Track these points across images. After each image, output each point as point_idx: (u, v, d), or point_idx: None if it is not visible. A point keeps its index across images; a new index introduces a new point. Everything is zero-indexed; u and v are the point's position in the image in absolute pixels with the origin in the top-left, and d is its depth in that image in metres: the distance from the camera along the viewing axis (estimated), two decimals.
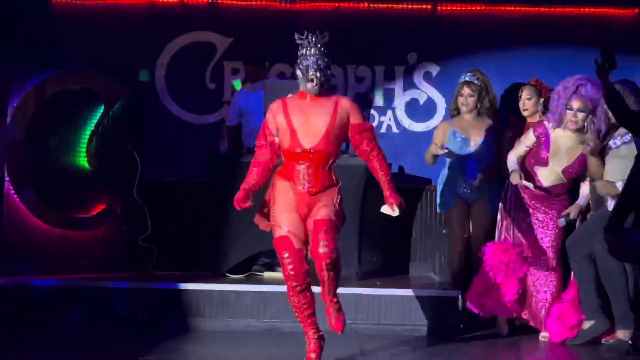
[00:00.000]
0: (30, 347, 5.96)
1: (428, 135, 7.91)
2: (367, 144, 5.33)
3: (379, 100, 8.72)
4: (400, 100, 8.66)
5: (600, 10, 8.63)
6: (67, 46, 7.67)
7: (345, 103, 5.30)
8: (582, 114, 6.23)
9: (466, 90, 7.06)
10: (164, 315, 6.69)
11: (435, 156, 7.01)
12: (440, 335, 6.45)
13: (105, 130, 7.40)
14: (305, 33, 5.24)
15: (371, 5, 8.65)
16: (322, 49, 5.19)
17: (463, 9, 8.67)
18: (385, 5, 8.66)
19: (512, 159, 6.48)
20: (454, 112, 7.23)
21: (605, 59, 5.21)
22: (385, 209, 5.32)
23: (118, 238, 7.53)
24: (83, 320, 6.55)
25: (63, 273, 7.03)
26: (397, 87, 8.68)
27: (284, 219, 5.18)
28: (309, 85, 5.19)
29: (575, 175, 6.39)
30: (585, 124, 6.25)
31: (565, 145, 6.33)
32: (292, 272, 5.06)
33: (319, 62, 5.15)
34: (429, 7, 8.65)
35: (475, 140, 7.01)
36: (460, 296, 6.67)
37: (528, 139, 6.45)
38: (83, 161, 7.33)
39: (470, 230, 7.03)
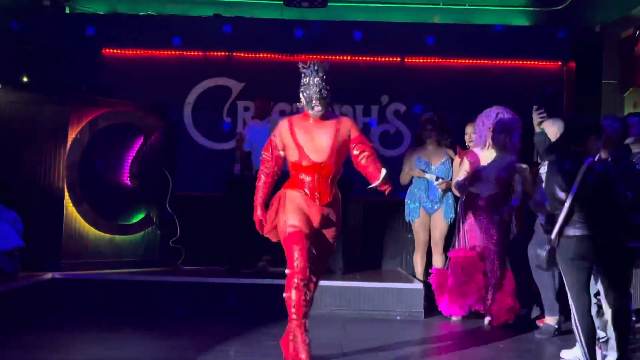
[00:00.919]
0: (79, 330, 5.86)
1: (398, 159, 7.78)
2: (368, 150, 4.66)
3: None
4: (375, 132, 8.64)
5: (530, 63, 8.68)
6: (114, 88, 7.54)
7: (346, 121, 4.70)
8: (502, 135, 6.20)
9: (428, 126, 7.01)
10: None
11: (410, 177, 6.97)
12: (407, 319, 6.39)
13: (144, 155, 7.31)
14: (308, 62, 4.56)
15: (353, 58, 8.67)
16: (324, 76, 4.52)
17: (425, 60, 8.72)
18: (364, 58, 8.68)
19: (456, 183, 6.40)
20: (418, 142, 7.15)
21: (540, 106, 5.16)
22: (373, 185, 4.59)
23: (154, 241, 7.44)
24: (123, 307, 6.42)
25: (111, 269, 6.95)
26: (373, 121, 8.68)
27: (295, 218, 4.50)
28: (314, 111, 4.56)
29: (504, 182, 6.27)
30: (506, 143, 6.22)
31: (491, 158, 6.27)
32: (300, 265, 4.33)
33: (321, 91, 4.49)
34: (398, 59, 8.70)
35: (436, 165, 6.92)
36: (422, 287, 6.58)
37: (465, 165, 6.34)
38: (127, 180, 7.25)
39: (430, 236, 6.99)
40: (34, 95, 6.88)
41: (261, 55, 8.69)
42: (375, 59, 8.69)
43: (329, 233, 4.66)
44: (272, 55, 8.67)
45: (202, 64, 8.71)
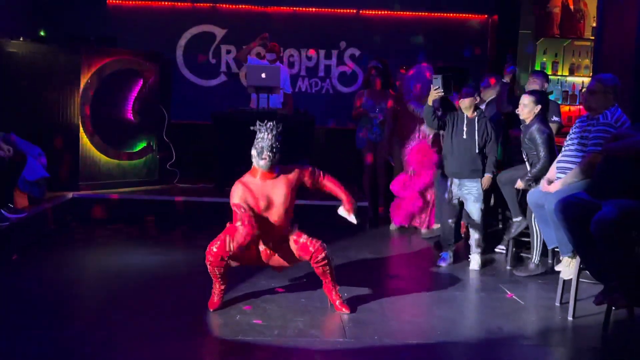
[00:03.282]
0: (98, 235, 6.13)
1: (351, 95, 7.98)
2: (317, 176, 4.25)
3: (320, 72, 8.77)
4: (335, 72, 8.74)
5: (461, 16, 8.74)
6: (117, 37, 7.57)
7: (292, 175, 4.14)
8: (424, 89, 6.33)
9: (373, 72, 7.08)
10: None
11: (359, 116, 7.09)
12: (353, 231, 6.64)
13: (144, 95, 7.38)
14: (265, 121, 4.05)
15: (317, 10, 8.65)
16: (276, 134, 4.00)
17: (377, 13, 8.71)
18: (327, 10, 8.66)
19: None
20: (365, 84, 7.24)
21: (446, 85, 5.11)
22: (342, 212, 4.29)
23: (154, 164, 7.62)
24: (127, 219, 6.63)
25: (119, 188, 7.18)
26: (333, 63, 8.74)
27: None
28: (262, 162, 4.00)
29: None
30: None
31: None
32: (215, 250, 3.95)
33: (273, 145, 3.96)
34: (355, 11, 8.69)
35: (380, 105, 7.06)
36: (368, 205, 6.87)
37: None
38: (130, 116, 7.35)
39: (376, 160, 7.22)
40: (50, 46, 6.89)
41: (241, 6, 8.66)
42: (336, 10, 8.70)
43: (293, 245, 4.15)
44: (251, 7, 8.65)
45: (191, 13, 8.66)
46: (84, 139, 7.00)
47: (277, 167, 4.10)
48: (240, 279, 4.75)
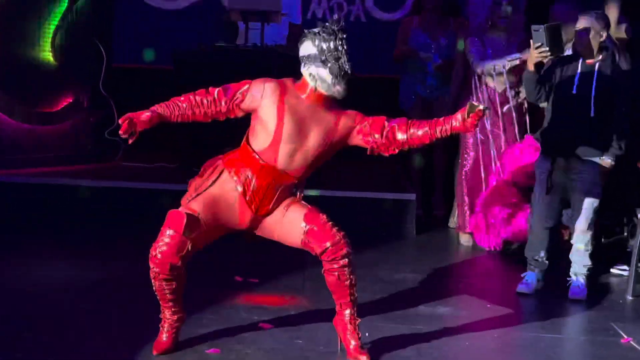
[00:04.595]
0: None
1: (395, 26, 8.05)
2: (395, 123, 4.25)
3: None
4: None
5: None
6: None
7: (347, 118, 4.26)
8: (510, 7, 6.45)
9: None
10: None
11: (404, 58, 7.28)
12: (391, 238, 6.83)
13: (70, 23, 7.56)
14: (329, 22, 4.17)
15: None
16: (345, 37, 4.16)
17: None
18: None
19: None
20: (416, 8, 7.41)
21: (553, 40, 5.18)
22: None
23: (85, 131, 7.85)
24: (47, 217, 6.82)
25: (31, 167, 7.34)
26: None
27: (199, 203, 4.22)
28: (338, 87, 4.12)
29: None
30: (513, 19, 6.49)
31: (500, 43, 6.55)
32: (162, 254, 4.10)
33: (347, 62, 4.10)
34: None
35: (438, 41, 7.21)
36: (416, 198, 7.02)
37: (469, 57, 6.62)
38: (48, 56, 7.53)
39: None
40: None
41: None
42: None
43: (296, 207, 4.32)
44: None
45: None
46: None
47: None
48: (207, 302, 4.91)
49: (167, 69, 8.02)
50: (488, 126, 6.55)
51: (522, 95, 6.51)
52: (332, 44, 4.09)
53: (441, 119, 4.24)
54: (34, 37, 7.50)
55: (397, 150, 4.27)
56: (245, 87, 4.23)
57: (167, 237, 4.11)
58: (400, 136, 4.23)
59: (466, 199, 6.71)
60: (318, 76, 4.12)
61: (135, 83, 8.60)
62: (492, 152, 6.57)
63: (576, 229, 5.52)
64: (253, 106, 4.20)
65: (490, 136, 6.58)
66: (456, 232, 6.88)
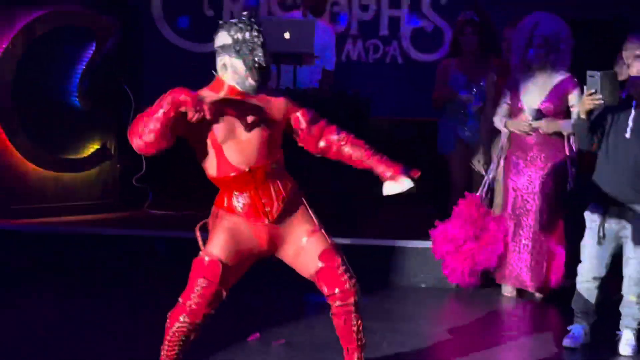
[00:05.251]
0: (22, 292, 6.31)
1: (434, 67, 7.79)
2: (332, 131, 4.38)
3: (383, 29, 8.89)
4: (406, 30, 8.82)
5: None
6: None
7: (278, 102, 4.34)
8: (543, 49, 6.30)
9: (467, 29, 7.09)
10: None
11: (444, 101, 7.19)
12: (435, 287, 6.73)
13: (97, 67, 7.55)
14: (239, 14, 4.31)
15: None
16: (261, 30, 4.21)
17: None
18: None
19: (497, 121, 6.53)
20: (455, 49, 7.28)
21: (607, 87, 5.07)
22: (389, 188, 4.38)
23: (112, 178, 7.80)
24: (74, 267, 6.80)
25: (57, 216, 7.34)
26: (404, 15, 8.83)
27: (217, 244, 4.27)
28: (250, 81, 4.20)
29: (554, 111, 6.32)
30: (549, 60, 6.33)
31: (534, 84, 6.39)
32: (195, 307, 4.20)
33: (265, 51, 4.18)
34: None
35: (477, 83, 7.09)
36: None
37: (505, 95, 6.50)
38: (75, 101, 7.52)
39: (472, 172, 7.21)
40: None
41: None
42: None
43: (314, 238, 4.38)
44: None
45: None
46: (2, 138, 7.24)
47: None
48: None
49: None
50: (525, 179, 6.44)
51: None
52: (247, 34, 4.16)
53: (384, 159, 4.35)
54: (61, 82, 7.51)
55: (321, 150, 4.39)
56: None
57: (201, 288, 4.19)
58: (333, 137, 4.35)
59: (511, 248, 6.49)
60: (231, 66, 4.20)
61: None
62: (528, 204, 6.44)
63: (628, 280, 5.35)
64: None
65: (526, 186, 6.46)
66: (498, 282, 6.67)
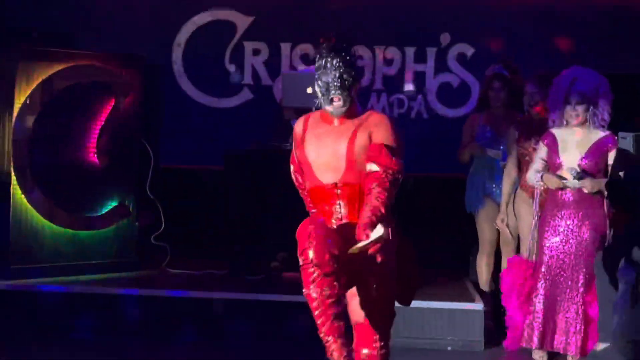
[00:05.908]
0: (35, 354, 6.28)
1: (461, 122, 7.88)
2: (377, 178, 4.33)
3: (408, 85, 8.85)
4: (432, 84, 8.77)
5: None
6: (75, 30, 7.91)
7: (373, 117, 4.46)
8: (582, 106, 6.27)
9: (496, 84, 7.11)
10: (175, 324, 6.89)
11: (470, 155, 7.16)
12: (462, 349, 6.66)
13: (116, 123, 7.56)
14: (322, 40, 4.46)
15: None
16: (347, 57, 4.37)
17: None
18: None
19: (532, 175, 6.43)
20: (483, 104, 7.28)
21: None
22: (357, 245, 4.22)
23: (130, 236, 7.75)
24: (91, 327, 6.80)
25: (73, 274, 7.29)
26: (429, 69, 8.77)
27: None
28: (330, 107, 4.40)
29: (594, 169, 6.24)
30: (588, 116, 6.26)
31: (573, 141, 6.32)
32: (315, 260, 4.13)
33: (344, 76, 4.34)
34: None
35: (506, 138, 6.96)
36: (483, 308, 6.77)
37: (541, 151, 6.41)
38: (93, 157, 7.50)
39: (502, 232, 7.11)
40: None
41: None
42: None
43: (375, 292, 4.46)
44: None
45: None
46: (17, 194, 7.19)
47: (357, 105, 4.50)
48: None
49: (217, 169, 8.02)
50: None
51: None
52: (322, 61, 4.38)
53: (369, 210, 4.23)
54: (79, 138, 7.49)
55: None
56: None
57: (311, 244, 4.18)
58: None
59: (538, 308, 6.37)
60: (315, 93, 4.45)
61: (183, 185, 8.52)
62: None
63: None
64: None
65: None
66: (527, 346, 6.48)
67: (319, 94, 4.41)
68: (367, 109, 4.58)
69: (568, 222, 6.30)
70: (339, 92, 4.34)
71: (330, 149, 4.42)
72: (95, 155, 7.52)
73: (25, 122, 7.18)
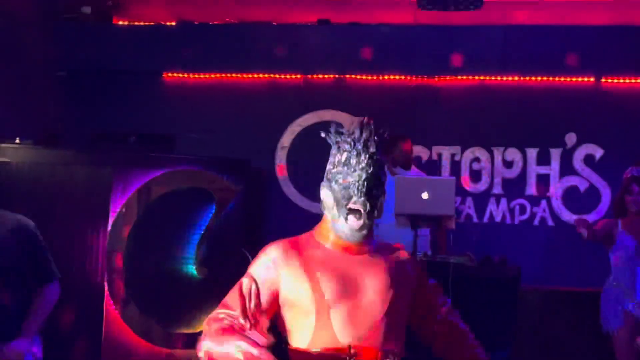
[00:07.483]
0: None
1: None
2: (459, 325, 3.48)
3: (531, 188, 8.74)
4: (558, 188, 8.67)
5: None
6: (175, 135, 7.90)
7: (411, 262, 3.46)
8: None
9: (635, 188, 6.89)
10: None
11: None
12: None
13: (216, 233, 7.54)
14: (352, 125, 3.26)
15: (522, 78, 8.70)
16: (375, 155, 3.22)
17: (631, 81, 8.63)
18: (537, 79, 8.71)
19: None
20: (619, 210, 7.04)
21: None
22: None
23: None
24: None
25: None
26: (553, 172, 8.69)
27: None
28: (351, 222, 3.24)
29: None
30: None
31: None
32: None
33: (373, 182, 3.21)
34: (591, 80, 8.66)
35: None
36: None
37: None
38: (192, 269, 7.47)
39: None
40: (62, 152, 7.23)
41: (385, 77, 8.85)
42: (557, 79, 8.68)
43: None
44: (401, 78, 8.84)
45: (302, 92, 8.94)
46: (110, 309, 7.12)
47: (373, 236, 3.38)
48: None
49: None
50: None
51: None
52: (344, 156, 3.20)
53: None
54: (176, 248, 7.48)
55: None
56: (246, 280, 3.46)
57: None
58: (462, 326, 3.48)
59: None
60: (324, 202, 3.27)
61: None
62: None
63: None
64: (271, 296, 3.33)
65: None
66: None
67: (336, 201, 3.25)
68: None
69: None
70: (363, 203, 3.21)
71: (356, 287, 3.29)
72: (194, 266, 7.49)
73: (120, 231, 7.23)
